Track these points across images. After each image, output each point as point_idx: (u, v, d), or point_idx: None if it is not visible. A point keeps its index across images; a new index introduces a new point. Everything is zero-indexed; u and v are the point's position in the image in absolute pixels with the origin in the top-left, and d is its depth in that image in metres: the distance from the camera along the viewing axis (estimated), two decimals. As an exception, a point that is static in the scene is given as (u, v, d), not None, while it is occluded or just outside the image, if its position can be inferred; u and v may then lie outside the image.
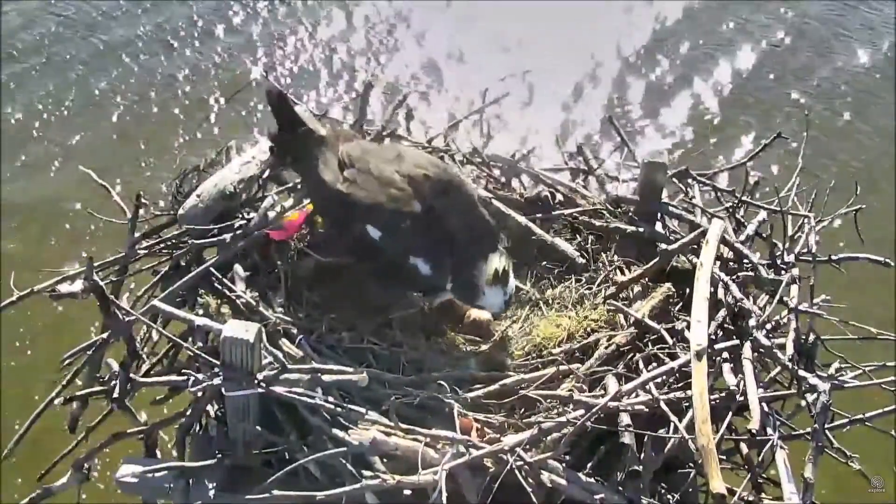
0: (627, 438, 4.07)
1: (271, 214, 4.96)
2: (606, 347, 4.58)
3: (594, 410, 3.95)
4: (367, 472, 3.92)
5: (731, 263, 5.00)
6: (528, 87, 10.98)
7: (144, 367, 4.78)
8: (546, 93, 11.07)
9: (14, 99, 10.99)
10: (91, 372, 4.60)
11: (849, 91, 11.67)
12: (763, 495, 4.13)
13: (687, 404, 4.16)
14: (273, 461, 4.18)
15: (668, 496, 4.28)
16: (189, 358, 4.64)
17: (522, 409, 4.32)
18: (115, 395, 4.29)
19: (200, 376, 4.07)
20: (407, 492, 3.94)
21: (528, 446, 3.97)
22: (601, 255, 5.27)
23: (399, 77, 11.36)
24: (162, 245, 5.09)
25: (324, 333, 4.62)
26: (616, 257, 5.20)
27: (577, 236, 5.43)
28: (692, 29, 12.44)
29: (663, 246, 5.00)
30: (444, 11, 12.27)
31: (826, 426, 4.00)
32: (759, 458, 4.08)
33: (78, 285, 4.24)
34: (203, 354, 4.24)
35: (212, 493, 4.19)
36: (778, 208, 5.08)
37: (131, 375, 4.36)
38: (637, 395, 4.21)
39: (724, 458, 4.42)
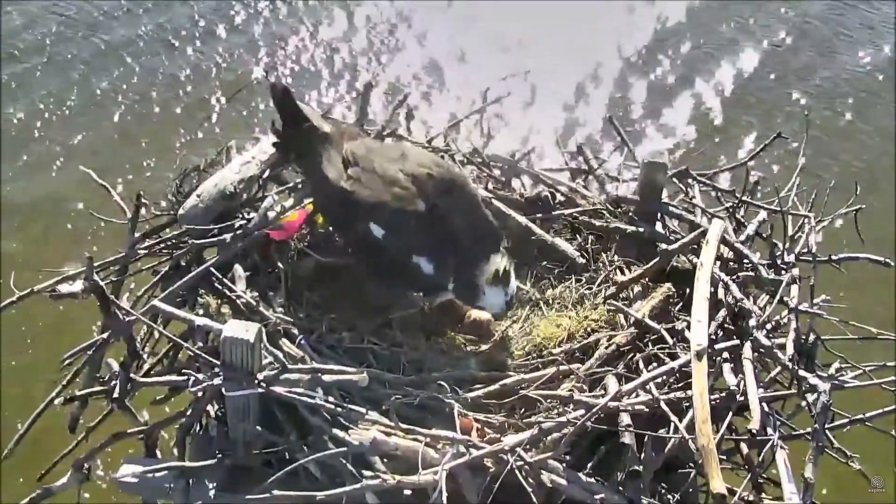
0: (628, 438, 4.07)
1: (271, 214, 4.96)
2: (606, 347, 4.58)
3: (594, 410, 3.95)
4: (367, 472, 3.92)
5: (731, 263, 5.00)
6: (530, 87, 10.98)
7: (145, 367, 4.79)
8: (547, 93, 11.08)
9: (16, 99, 11.00)
10: (91, 372, 4.60)
11: (850, 91, 11.67)
12: (763, 495, 4.13)
13: (687, 404, 4.16)
14: (273, 461, 4.18)
15: (669, 496, 4.28)
16: (189, 358, 4.65)
17: (523, 409, 4.32)
18: (115, 395, 4.29)
19: (200, 376, 4.07)
20: (407, 492, 3.94)
21: (528, 446, 3.97)
22: (601, 255, 5.27)
23: (400, 77, 11.36)
24: (162, 245, 5.09)
25: (324, 333, 4.62)
26: (616, 257, 5.21)
27: (578, 236, 5.42)
28: (693, 29, 12.44)
29: (663, 246, 5.00)
30: (445, 11, 12.28)
31: (826, 426, 3.99)
32: (760, 458, 4.08)
33: (78, 285, 4.24)
34: (203, 354, 4.24)
35: (212, 493, 4.19)
36: (778, 208, 5.08)
37: (131, 375, 4.36)
38: (637, 395, 4.21)
39: (725, 458, 4.42)
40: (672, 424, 4.08)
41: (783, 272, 4.81)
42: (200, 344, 4.51)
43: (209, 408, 4.56)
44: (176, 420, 4.66)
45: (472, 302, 4.70)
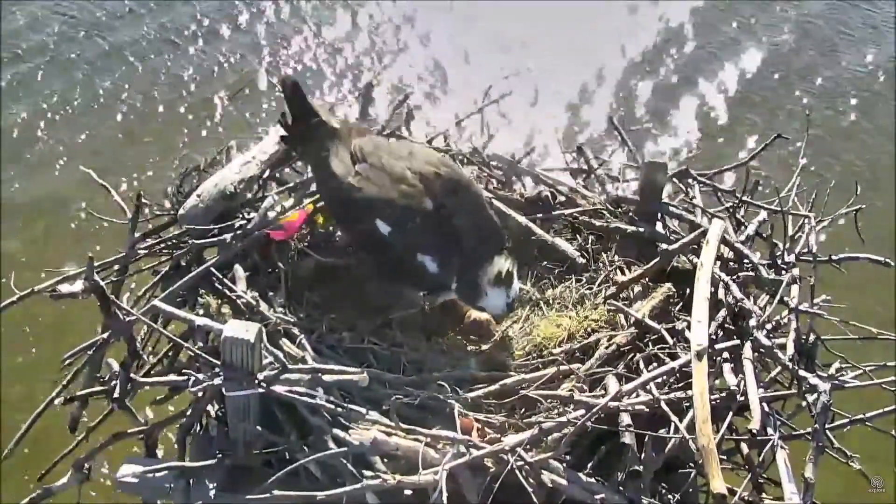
0: (628, 438, 4.07)
1: (271, 214, 4.96)
2: (607, 347, 4.57)
3: (595, 410, 3.95)
4: (367, 472, 3.92)
5: (731, 263, 5.00)
6: (533, 87, 10.99)
7: (145, 368, 4.79)
8: (550, 93, 11.07)
9: (19, 99, 10.99)
10: (91, 372, 4.61)
11: (853, 91, 11.65)
12: (763, 495, 4.13)
13: (687, 404, 4.16)
14: (273, 461, 4.18)
15: (669, 496, 4.28)
16: (189, 358, 4.65)
17: (523, 409, 4.32)
18: (116, 395, 4.29)
19: (201, 376, 4.07)
20: (407, 492, 3.94)
21: (528, 446, 3.97)
22: (601, 255, 5.26)
23: (403, 77, 11.34)
24: (162, 245, 5.09)
25: (324, 333, 4.62)
26: (616, 257, 5.20)
27: (578, 236, 5.42)
28: (697, 29, 12.42)
29: (664, 246, 5.00)
30: (448, 12, 12.25)
31: (826, 426, 3.99)
32: (760, 458, 4.08)
33: (78, 285, 4.24)
34: (203, 354, 4.24)
35: (212, 493, 4.19)
36: (778, 208, 5.08)
37: (131, 375, 4.36)
38: (637, 395, 4.21)
39: (725, 458, 4.41)
40: (672, 424, 4.08)
41: (783, 272, 4.81)
42: (200, 344, 4.51)
43: (209, 408, 4.56)
44: (176, 420, 4.66)
45: (474, 302, 4.70)
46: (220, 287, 4.71)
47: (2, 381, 7.63)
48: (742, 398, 4.14)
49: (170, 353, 4.91)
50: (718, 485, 3.69)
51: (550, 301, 5.02)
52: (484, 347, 4.71)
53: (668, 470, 4.29)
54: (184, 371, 4.35)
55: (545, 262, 5.24)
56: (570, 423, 3.98)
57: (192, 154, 9.07)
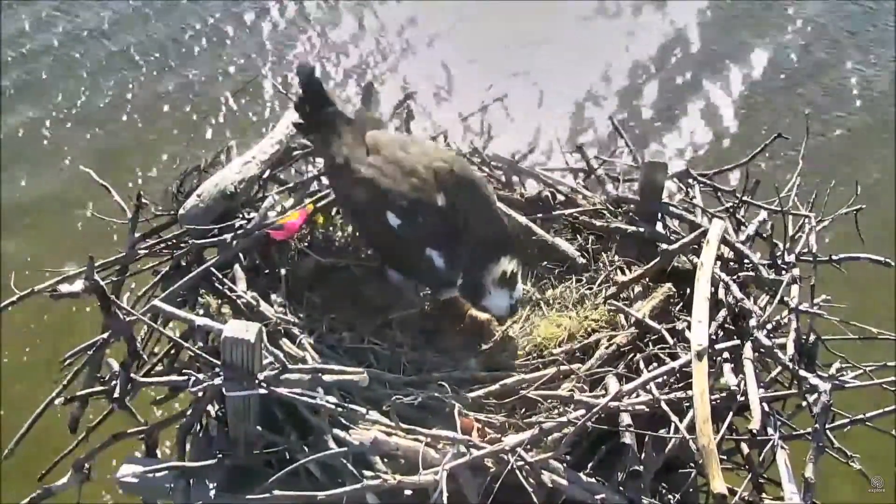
0: (628, 438, 4.07)
1: (271, 214, 4.96)
2: (607, 347, 4.57)
3: (595, 410, 3.95)
4: (367, 472, 3.92)
5: (731, 263, 5.00)
6: (539, 88, 10.98)
7: (145, 368, 4.79)
8: (555, 94, 11.04)
9: (24, 99, 10.98)
10: (91, 372, 4.60)
11: (859, 91, 11.63)
12: (763, 495, 4.13)
13: (688, 404, 4.15)
14: (273, 461, 4.17)
15: (669, 496, 4.28)
16: (190, 358, 4.65)
17: (523, 410, 4.32)
18: (116, 395, 4.28)
19: (201, 376, 4.06)
20: (408, 492, 3.94)
21: (528, 446, 3.97)
22: (602, 255, 5.26)
23: (408, 78, 11.32)
24: (162, 245, 5.09)
25: (324, 333, 4.62)
26: (617, 257, 5.20)
27: (578, 236, 5.42)
28: (703, 30, 12.38)
29: (664, 246, 5.00)
30: (453, 12, 12.21)
31: (826, 426, 3.99)
32: (760, 458, 4.08)
33: (78, 285, 4.22)
34: (203, 354, 4.24)
35: (212, 493, 4.19)
36: (778, 208, 5.08)
37: (131, 375, 4.35)
38: (638, 396, 4.21)
39: (725, 458, 4.41)
40: (672, 424, 4.08)
41: (783, 272, 4.81)
42: (201, 344, 4.51)
43: (209, 408, 4.56)
44: (176, 420, 4.66)
45: (478, 301, 4.70)
46: (220, 287, 4.71)
47: (2, 381, 7.62)
48: (742, 398, 4.13)
49: (170, 353, 4.91)
50: (718, 485, 3.70)
51: (550, 301, 5.02)
52: (484, 347, 4.70)
53: (668, 470, 4.29)
54: (184, 371, 4.35)
55: (545, 262, 5.24)
56: (571, 423, 3.98)
57: (197, 153, 9.06)
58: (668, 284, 4.89)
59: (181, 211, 5.03)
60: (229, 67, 11.55)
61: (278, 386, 4.00)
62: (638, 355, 4.55)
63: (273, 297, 4.75)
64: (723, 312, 4.59)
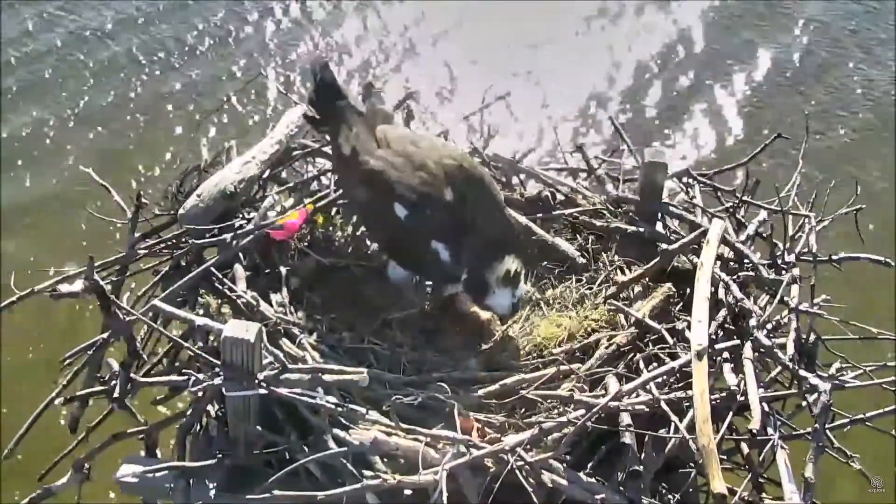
0: (628, 438, 4.07)
1: (271, 214, 4.96)
2: (607, 347, 4.57)
3: (595, 410, 3.95)
4: (367, 472, 3.93)
5: (731, 263, 5.00)
6: (543, 88, 10.97)
7: (145, 368, 4.79)
8: (559, 94, 11.03)
9: (28, 99, 10.98)
10: (91, 372, 4.60)
11: (862, 91, 11.61)
12: (763, 495, 4.13)
13: (687, 404, 4.15)
14: (273, 461, 4.17)
15: (669, 496, 4.28)
16: (190, 358, 4.65)
17: (523, 409, 4.32)
18: (116, 395, 4.28)
19: (201, 376, 4.07)
20: (407, 492, 3.94)
21: (528, 446, 3.97)
22: (601, 255, 5.26)
23: (410, 78, 11.31)
24: (162, 245, 5.09)
25: (324, 333, 4.62)
26: (616, 257, 5.20)
27: (578, 236, 5.42)
28: (706, 30, 12.35)
29: (664, 246, 5.00)
30: (455, 13, 12.20)
31: (826, 426, 3.99)
32: (760, 458, 4.08)
33: (78, 285, 4.23)
34: (203, 354, 4.24)
35: (212, 493, 4.19)
36: (778, 208, 5.08)
37: (131, 375, 4.35)
38: (638, 395, 4.21)
39: (725, 457, 4.41)
40: (672, 424, 4.08)
41: (783, 272, 4.81)
42: (200, 344, 4.51)
43: (209, 408, 4.56)
44: (176, 420, 4.66)
45: (481, 298, 4.71)
46: (220, 287, 4.71)
47: (2, 381, 7.63)
48: (742, 398, 4.14)
49: (170, 353, 4.91)
50: (718, 485, 3.70)
51: (550, 301, 5.02)
52: (484, 347, 4.70)
53: (668, 470, 4.29)
54: (184, 371, 4.36)
55: (545, 262, 5.24)
56: (570, 423, 3.98)
57: (199, 153, 9.07)
58: (668, 284, 4.89)
59: (181, 211, 5.03)
60: (232, 67, 11.54)
61: (278, 386, 4.00)
62: (638, 355, 4.55)
63: (273, 297, 4.75)
64: (723, 312, 4.59)
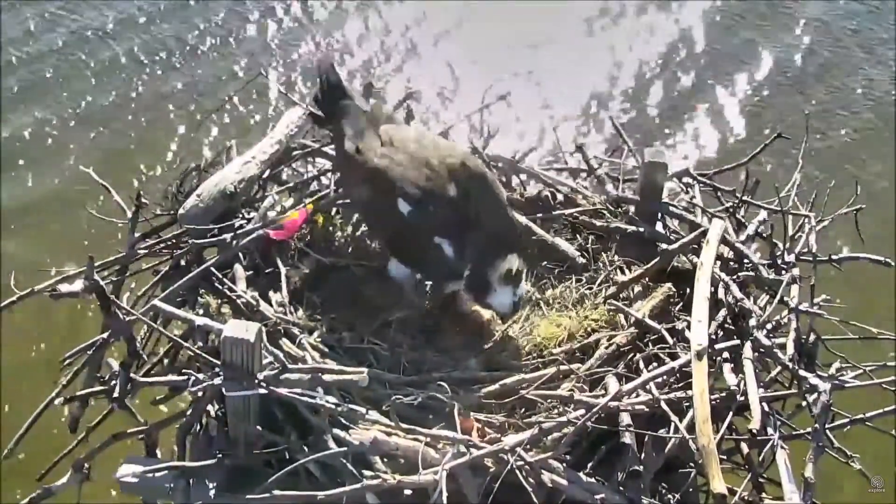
0: (628, 438, 4.07)
1: (271, 214, 4.96)
2: (607, 347, 4.57)
3: (595, 410, 3.95)
4: (367, 472, 3.93)
5: (731, 263, 5.00)
6: (542, 88, 10.97)
7: (145, 368, 4.79)
8: (560, 94, 11.03)
9: (28, 100, 10.98)
10: (91, 372, 4.61)
11: (863, 91, 11.60)
12: (763, 495, 4.13)
13: (687, 404, 4.16)
14: (273, 461, 4.17)
15: (669, 496, 4.28)
16: (190, 358, 4.65)
17: (523, 409, 4.32)
18: (116, 394, 4.29)
19: (201, 376, 4.07)
20: (407, 492, 3.95)
21: (528, 446, 3.97)
22: (601, 255, 5.25)
23: (411, 78, 11.29)
24: (162, 245, 5.09)
25: (324, 333, 4.62)
26: (616, 257, 5.19)
27: (578, 236, 5.42)
28: (707, 30, 12.34)
29: (664, 246, 5.00)
30: (456, 13, 12.19)
31: (826, 426, 3.99)
32: (760, 458, 4.09)
33: (78, 285, 4.23)
34: (203, 354, 4.24)
35: (212, 493, 4.19)
36: (778, 208, 5.07)
37: (131, 375, 4.35)
38: (637, 395, 4.21)
39: (725, 457, 4.41)
40: (672, 424, 4.08)
41: (783, 272, 4.81)
42: (200, 344, 4.52)
43: (209, 408, 4.56)
44: (176, 420, 4.66)
45: (482, 297, 4.71)
46: (219, 287, 4.71)
47: (2, 381, 7.63)
48: (742, 398, 4.14)
49: (170, 353, 4.91)
50: (718, 485, 3.70)
51: (550, 301, 5.02)
52: (484, 347, 4.70)
53: (668, 470, 4.29)
54: (184, 371, 4.36)
55: (545, 262, 5.24)
56: (570, 423, 3.98)
57: (200, 153, 9.06)
58: (668, 284, 4.88)
59: (181, 211, 5.03)
60: (234, 67, 11.54)
61: (278, 386, 4.00)
62: (638, 355, 4.55)
63: (273, 296, 4.75)
64: (723, 312, 4.60)
